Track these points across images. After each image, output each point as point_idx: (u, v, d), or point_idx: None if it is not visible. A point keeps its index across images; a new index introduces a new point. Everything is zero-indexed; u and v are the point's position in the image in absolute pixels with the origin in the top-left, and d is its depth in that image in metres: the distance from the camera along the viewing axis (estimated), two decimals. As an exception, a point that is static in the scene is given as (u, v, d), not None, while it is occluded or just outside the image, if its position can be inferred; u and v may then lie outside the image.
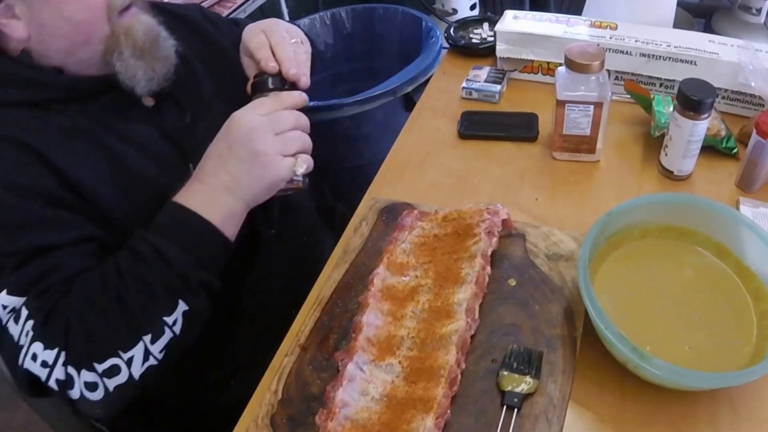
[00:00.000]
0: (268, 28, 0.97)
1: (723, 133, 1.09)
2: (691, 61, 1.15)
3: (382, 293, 0.89)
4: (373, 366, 0.81)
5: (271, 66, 0.91)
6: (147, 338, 0.78)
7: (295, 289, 0.99)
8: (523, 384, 0.79)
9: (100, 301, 0.77)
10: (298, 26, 1.07)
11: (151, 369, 0.79)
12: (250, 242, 1.02)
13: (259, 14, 2.94)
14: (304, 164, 0.87)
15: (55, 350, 0.75)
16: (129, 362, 0.77)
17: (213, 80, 1.07)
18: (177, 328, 0.80)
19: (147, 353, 0.78)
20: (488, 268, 0.89)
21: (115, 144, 0.90)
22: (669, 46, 1.17)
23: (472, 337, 0.84)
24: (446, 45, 1.51)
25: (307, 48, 1.00)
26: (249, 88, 0.93)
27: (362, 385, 0.80)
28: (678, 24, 1.35)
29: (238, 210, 0.85)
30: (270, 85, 0.91)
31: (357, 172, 1.84)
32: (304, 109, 0.91)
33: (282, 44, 0.94)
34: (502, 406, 0.78)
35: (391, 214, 1.03)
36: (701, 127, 0.99)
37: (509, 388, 0.79)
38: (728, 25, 1.47)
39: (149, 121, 0.95)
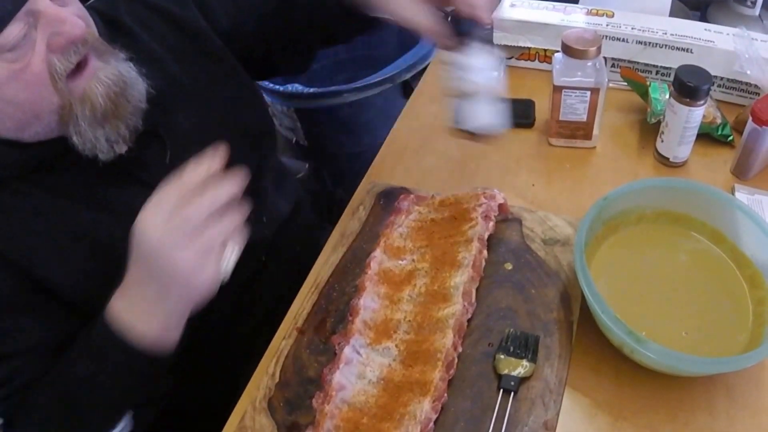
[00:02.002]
0: None
1: (719, 120, 1.09)
2: (687, 49, 1.15)
3: (379, 277, 0.89)
4: (369, 349, 0.81)
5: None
6: None
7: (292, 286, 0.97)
8: (520, 368, 0.79)
9: (47, 424, 0.78)
10: None
11: None
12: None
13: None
14: (232, 255, 0.72)
15: None
16: None
17: (193, 84, 0.95)
18: (126, 430, 0.81)
19: None
20: (485, 252, 0.89)
21: (85, 216, 0.82)
22: (665, 33, 1.17)
23: (469, 320, 0.84)
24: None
25: None
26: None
27: (359, 368, 0.80)
28: (674, 15, 1.34)
29: (173, 323, 0.76)
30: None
31: (356, 159, 1.84)
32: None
33: None
34: (499, 390, 0.78)
35: (389, 199, 1.03)
36: (697, 114, 0.99)
37: (506, 371, 0.79)
38: (723, 16, 1.46)
39: (121, 173, 0.84)
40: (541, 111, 1.19)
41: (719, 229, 0.89)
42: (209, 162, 0.70)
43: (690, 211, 0.90)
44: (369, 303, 0.86)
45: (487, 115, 0.85)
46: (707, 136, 1.09)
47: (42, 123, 0.76)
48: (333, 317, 0.89)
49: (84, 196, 0.82)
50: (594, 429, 0.76)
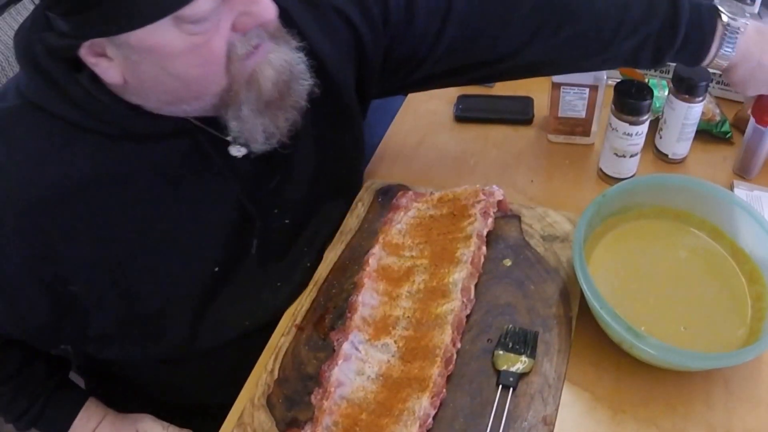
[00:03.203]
0: None
1: (718, 117, 1.09)
2: (687, 46, 1.15)
3: (378, 273, 0.89)
4: (368, 345, 0.81)
5: None
6: None
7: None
8: (519, 363, 0.79)
9: None
10: None
11: None
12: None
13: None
14: None
15: None
16: None
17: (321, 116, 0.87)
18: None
19: None
20: (484, 249, 0.89)
21: (170, 202, 0.78)
22: (664, 30, 1.17)
23: (468, 317, 0.84)
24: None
25: None
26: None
27: (358, 364, 0.80)
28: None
29: None
30: None
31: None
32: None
33: None
34: (498, 386, 0.78)
35: (387, 196, 1.03)
36: (696, 110, 0.99)
37: (505, 367, 0.79)
38: (722, 13, 1.47)
39: (231, 174, 0.80)
40: (540, 108, 1.19)
41: (718, 225, 0.89)
42: None
43: (689, 207, 0.90)
44: (368, 299, 0.86)
45: (633, 167, 1.03)
46: (706, 133, 1.09)
47: (199, 104, 0.73)
48: (332, 314, 0.89)
49: (181, 180, 0.78)
50: (593, 423, 0.76)
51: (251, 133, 0.74)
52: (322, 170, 0.92)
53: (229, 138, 0.76)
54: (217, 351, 0.89)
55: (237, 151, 0.78)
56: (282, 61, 0.72)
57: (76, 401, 0.94)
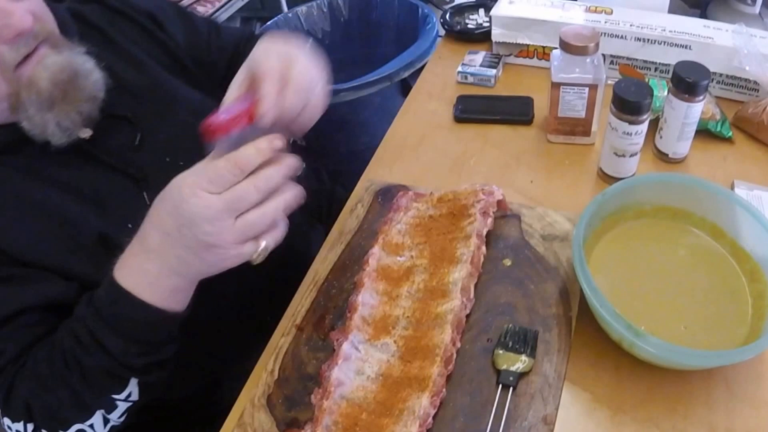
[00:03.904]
0: (288, 55, 0.75)
1: (718, 117, 1.09)
2: (686, 46, 1.15)
3: (378, 273, 0.89)
4: (368, 345, 0.81)
5: (266, 118, 0.70)
6: (101, 412, 0.79)
7: (281, 287, 0.97)
8: (519, 363, 0.79)
9: (51, 385, 0.77)
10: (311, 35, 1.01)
11: (116, 427, 0.82)
12: None
13: (258, 2, 2.93)
14: (267, 248, 0.69)
15: (22, 423, 0.77)
16: (92, 426, 0.79)
17: (174, 82, 1.00)
18: (133, 398, 0.80)
19: (106, 421, 0.80)
20: (483, 248, 0.89)
21: (45, 195, 0.83)
22: (664, 30, 1.17)
23: (468, 316, 0.84)
24: (442, 32, 1.51)
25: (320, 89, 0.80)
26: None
27: (358, 364, 0.80)
28: (672, 13, 1.35)
29: (186, 286, 0.75)
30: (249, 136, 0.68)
31: (354, 158, 1.83)
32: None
33: (295, 88, 0.73)
34: (498, 385, 0.78)
35: (387, 196, 1.03)
36: (696, 110, 0.99)
37: (504, 367, 0.79)
38: (723, 14, 1.46)
39: (86, 155, 0.87)
40: (540, 108, 1.19)
41: (718, 224, 0.88)
42: (269, 143, 0.66)
43: (689, 206, 0.90)
44: (367, 299, 0.85)
45: (633, 166, 1.03)
46: (706, 132, 1.09)
47: None
48: (332, 314, 0.89)
49: (48, 176, 0.84)
50: (593, 423, 0.76)
51: (44, 129, 0.80)
52: (185, 118, 0.96)
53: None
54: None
55: (84, 133, 0.85)
56: (59, 63, 0.80)
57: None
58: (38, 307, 0.80)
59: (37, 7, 0.80)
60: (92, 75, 0.84)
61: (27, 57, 0.78)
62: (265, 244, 0.69)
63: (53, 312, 0.81)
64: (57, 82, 0.79)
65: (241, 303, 1.04)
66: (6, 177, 0.83)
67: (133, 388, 0.79)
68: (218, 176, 0.65)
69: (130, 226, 0.75)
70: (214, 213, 0.65)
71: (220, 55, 1.11)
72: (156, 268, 0.71)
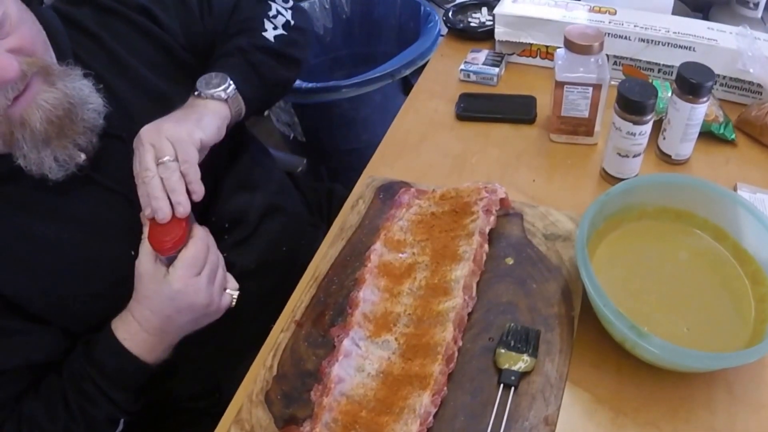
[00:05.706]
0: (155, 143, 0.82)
1: (721, 119, 1.08)
2: (690, 47, 1.14)
3: (379, 269, 0.88)
4: (369, 342, 0.81)
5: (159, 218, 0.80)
6: None
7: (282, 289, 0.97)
8: (520, 362, 0.78)
9: (50, 429, 0.83)
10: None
11: None
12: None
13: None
14: (235, 292, 0.91)
15: None
16: None
17: (171, 90, 0.96)
18: (120, 427, 0.90)
19: None
20: (486, 246, 0.89)
21: (40, 227, 0.83)
22: (668, 31, 1.17)
23: (470, 315, 0.84)
24: (444, 30, 1.50)
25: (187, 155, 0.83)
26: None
27: (358, 361, 0.79)
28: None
29: (173, 343, 0.90)
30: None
31: (354, 155, 1.83)
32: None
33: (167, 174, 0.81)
34: (499, 385, 0.77)
35: (388, 193, 1.02)
36: (700, 111, 0.99)
37: (506, 366, 0.78)
38: (726, 18, 1.46)
39: (84, 180, 0.84)
40: (543, 107, 1.18)
41: (721, 226, 0.88)
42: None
43: (692, 207, 0.90)
44: (369, 295, 0.85)
45: (636, 167, 1.03)
46: (709, 135, 1.09)
47: None
48: (332, 310, 0.88)
49: (40, 206, 0.84)
50: (594, 424, 0.75)
51: (41, 165, 0.78)
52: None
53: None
54: None
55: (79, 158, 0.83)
56: (53, 99, 0.77)
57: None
58: (36, 356, 0.85)
59: (24, 39, 0.76)
60: (90, 102, 0.81)
61: (19, 95, 0.74)
62: (232, 287, 0.91)
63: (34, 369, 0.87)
64: (51, 120, 0.77)
65: (242, 303, 1.03)
66: (3, 212, 0.82)
67: (122, 424, 0.90)
68: (196, 260, 0.82)
69: (132, 253, 0.83)
70: (203, 291, 0.83)
71: (214, 38, 1.05)
72: (158, 341, 0.86)
